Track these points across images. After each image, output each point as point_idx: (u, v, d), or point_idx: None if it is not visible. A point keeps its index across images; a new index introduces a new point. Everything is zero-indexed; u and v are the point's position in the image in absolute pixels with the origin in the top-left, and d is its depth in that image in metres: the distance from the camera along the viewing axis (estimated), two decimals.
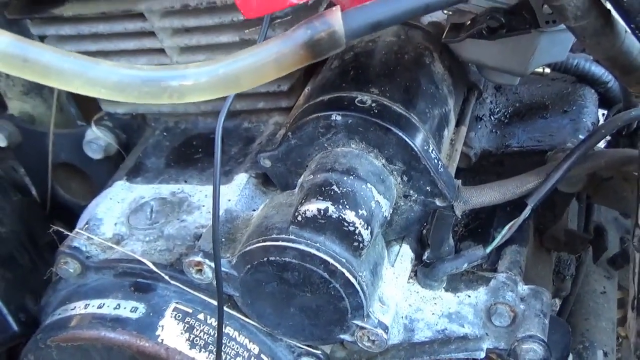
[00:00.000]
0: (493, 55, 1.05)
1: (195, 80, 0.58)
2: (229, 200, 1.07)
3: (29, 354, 1.08)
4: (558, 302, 1.42)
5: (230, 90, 0.61)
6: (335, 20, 0.60)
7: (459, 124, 1.12)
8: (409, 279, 1.07)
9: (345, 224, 0.91)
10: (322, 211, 0.91)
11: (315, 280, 0.93)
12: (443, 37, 1.05)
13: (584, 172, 1.04)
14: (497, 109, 1.24)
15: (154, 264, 1.04)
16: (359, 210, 0.91)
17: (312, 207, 0.91)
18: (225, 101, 0.86)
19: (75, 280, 1.10)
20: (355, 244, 0.92)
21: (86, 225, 1.13)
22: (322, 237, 0.92)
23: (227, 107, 0.86)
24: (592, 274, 1.42)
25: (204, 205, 1.11)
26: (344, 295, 0.93)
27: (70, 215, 1.41)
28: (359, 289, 0.93)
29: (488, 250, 1.03)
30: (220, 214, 1.05)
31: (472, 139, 1.16)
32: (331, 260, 0.92)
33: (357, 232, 0.91)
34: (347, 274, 0.92)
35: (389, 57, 1.07)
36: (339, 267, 0.92)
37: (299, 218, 0.92)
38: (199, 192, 1.14)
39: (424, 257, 1.06)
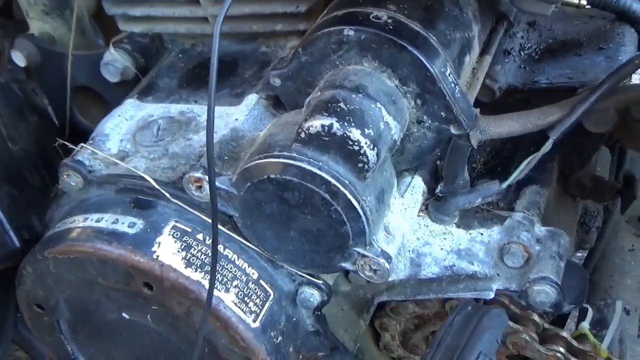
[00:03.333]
0: None
1: None
2: (236, 120, 1.03)
3: (27, 266, 1.06)
4: (581, 255, 1.35)
5: None
6: None
7: (483, 53, 1.06)
8: (419, 212, 1.01)
9: (350, 142, 0.86)
10: (326, 127, 0.86)
11: (316, 201, 0.89)
12: None
13: (613, 106, 0.96)
14: (528, 45, 1.17)
15: (156, 181, 1.01)
16: (366, 130, 0.86)
17: (316, 123, 0.87)
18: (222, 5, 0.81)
19: (77, 194, 1.07)
20: (360, 165, 0.87)
21: (91, 141, 1.10)
22: (326, 156, 0.88)
23: (226, 9, 0.80)
24: (620, 230, 1.35)
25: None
26: (345, 219, 0.89)
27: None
28: (361, 213, 0.88)
29: (504, 185, 0.97)
30: (225, 132, 1.02)
31: (497, 72, 1.09)
32: (333, 181, 0.87)
33: (362, 151, 0.86)
34: (350, 196, 0.87)
35: None
36: (341, 188, 0.87)
37: (302, 135, 0.88)
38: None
39: (437, 191, 1.01)
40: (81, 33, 1.46)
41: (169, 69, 1.23)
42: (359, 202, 0.88)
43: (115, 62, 1.31)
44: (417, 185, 1.01)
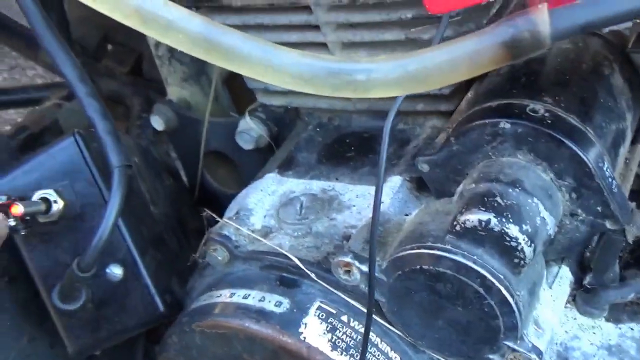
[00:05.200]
0: None
1: (384, 75, 0.55)
2: (382, 203, 1.04)
3: (174, 335, 1.09)
4: None
5: (418, 88, 0.58)
6: (541, 18, 0.56)
7: (634, 141, 1.04)
8: (566, 304, 0.99)
9: (508, 238, 0.86)
10: (483, 223, 0.86)
11: (469, 294, 0.88)
12: (629, 46, 0.97)
13: None
14: None
15: (301, 260, 1.03)
16: (523, 226, 0.86)
17: (473, 218, 0.87)
18: (395, 100, 0.82)
19: (221, 268, 1.10)
20: (516, 260, 0.87)
21: (236, 215, 1.13)
22: (481, 249, 0.88)
23: (397, 106, 0.82)
24: None
25: (354, 205, 1.09)
26: (498, 313, 0.88)
27: (216, 203, 1.44)
28: (515, 308, 0.88)
29: None
30: (369, 215, 1.03)
31: None
32: (488, 275, 0.87)
33: (519, 248, 0.86)
34: (504, 292, 0.87)
35: (564, 64, 1.00)
36: (496, 283, 0.87)
37: (458, 228, 0.88)
38: (350, 191, 1.12)
39: (585, 282, 0.99)
40: (215, 99, 1.52)
41: (307, 142, 1.26)
42: (513, 297, 0.87)
43: (250, 130, 1.36)
44: (565, 276, 0.99)
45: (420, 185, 1.07)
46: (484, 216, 0.86)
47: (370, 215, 1.01)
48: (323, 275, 1.02)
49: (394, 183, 1.08)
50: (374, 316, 1.00)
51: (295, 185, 1.16)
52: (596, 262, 0.97)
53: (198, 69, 1.51)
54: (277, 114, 1.36)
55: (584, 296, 0.99)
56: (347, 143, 1.23)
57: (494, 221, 0.86)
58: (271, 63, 0.54)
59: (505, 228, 0.85)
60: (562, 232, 0.95)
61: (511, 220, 0.86)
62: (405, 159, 1.12)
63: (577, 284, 1.01)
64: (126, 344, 1.34)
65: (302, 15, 1.12)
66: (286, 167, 1.22)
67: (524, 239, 0.85)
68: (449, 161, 0.97)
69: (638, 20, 0.95)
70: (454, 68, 0.58)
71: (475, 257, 0.87)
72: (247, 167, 1.42)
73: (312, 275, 1.02)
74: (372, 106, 1.22)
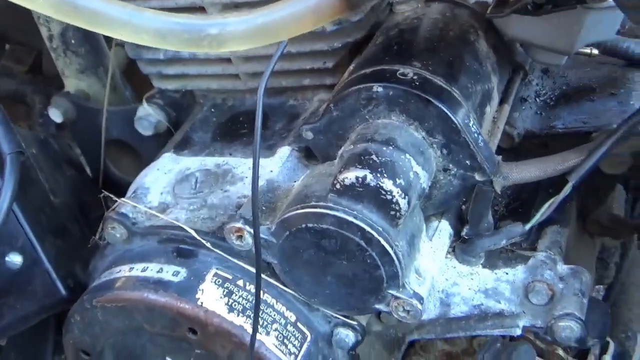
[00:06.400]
0: (538, 33, 1.05)
1: (234, 28, 0.60)
2: (271, 172, 1.10)
3: (76, 314, 1.12)
4: (602, 289, 1.40)
5: (269, 39, 0.63)
6: None
7: (502, 102, 1.12)
8: (447, 255, 1.07)
9: (383, 192, 0.92)
10: (360, 179, 0.92)
11: (351, 248, 0.94)
12: (487, 12, 1.05)
13: (628, 150, 1.03)
14: (544, 91, 1.23)
15: (197, 231, 1.07)
16: (397, 180, 0.92)
17: (351, 175, 0.93)
18: (267, 64, 0.87)
19: (121, 245, 1.13)
20: (392, 212, 0.93)
21: (133, 194, 1.17)
22: (360, 205, 0.94)
23: (266, 79, 0.86)
24: (638, 265, 1.39)
25: (246, 177, 1.14)
26: (379, 263, 0.94)
27: (120, 191, 1.46)
28: (394, 257, 0.94)
29: (527, 227, 1.02)
30: (261, 184, 1.08)
31: (516, 119, 1.16)
32: (368, 228, 0.93)
33: (394, 200, 0.92)
34: (383, 242, 0.93)
35: (433, 33, 1.07)
36: (376, 235, 0.93)
37: (337, 186, 0.94)
38: (242, 164, 1.16)
39: (463, 233, 1.06)
40: (114, 89, 1.54)
41: (202, 123, 1.30)
42: (392, 247, 0.94)
43: (149, 116, 1.38)
44: (444, 228, 1.07)
45: (308, 154, 1.13)
46: (361, 173, 0.92)
47: (261, 184, 1.07)
48: (218, 243, 1.06)
49: (282, 153, 1.13)
50: (268, 279, 1.06)
51: (190, 162, 1.20)
52: (471, 213, 1.05)
53: (95, 61, 1.53)
54: (174, 98, 1.39)
55: (461, 246, 1.06)
56: (240, 121, 1.27)
57: (369, 177, 0.92)
58: (131, 22, 0.58)
59: (380, 182, 0.92)
60: (437, 187, 1.02)
61: (385, 175, 0.92)
62: (295, 131, 1.18)
63: (457, 236, 1.08)
64: (36, 335, 1.35)
65: None
66: (182, 146, 1.25)
67: (398, 192, 0.92)
68: (330, 127, 1.03)
69: None
70: (299, 20, 0.63)
71: (355, 212, 0.93)
72: (148, 153, 1.44)
73: (208, 245, 1.06)
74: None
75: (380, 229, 0.93)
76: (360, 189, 0.93)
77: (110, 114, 1.46)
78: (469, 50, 1.07)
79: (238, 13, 0.61)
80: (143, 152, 1.48)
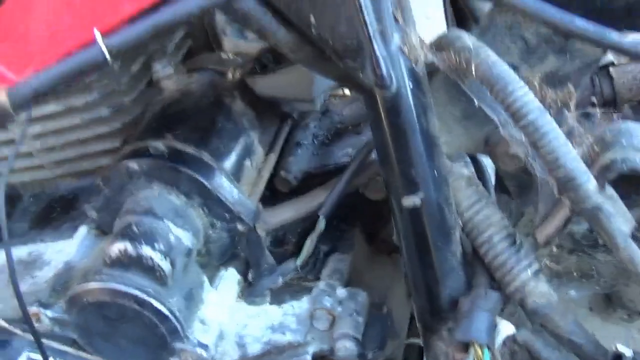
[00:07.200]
0: (279, 88, 1.17)
1: None
2: (69, 253, 1.19)
3: None
4: None
5: None
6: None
7: (269, 152, 1.24)
8: (237, 299, 1.17)
9: (144, 259, 1.02)
10: (122, 251, 1.03)
11: (130, 313, 1.04)
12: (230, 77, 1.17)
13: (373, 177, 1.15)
14: (321, 132, 1.34)
15: (7, 320, 1.15)
16: (156, 245, 1.03)
17: (115, 248, 1.03)
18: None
19: None
20: (158, 275, 1.03)
21: None
22: (129, 273, 1.04)
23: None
24: None
25: (52, 260, 1.23)
26: (157, 322, 1.04)
27: None
28: (169, 314, 1.04)
29: (299, 262, 1.14)
30: (59, 266, 1.18)
31: (290, 163, 1.26)
32: (138, 293, 1.03)
33: (156, 265, 1.03)
34: (155, 303, 1.03)
35: (190, 103, 1.19)
36: (147, 297, 1.03)
37: (107, 260, 1.04)
38: (50, 249, 1.25)
39: (249, 277, 1.17)
40: None
41: (23, 214, 1.39)
42: (165, 306, 1.04)
43: None
44: (230, 275, 1.17)
45: (104, 229, 1.22)
46: (122, 245, 1.03)
47: (59, 266, 1.16)
48: (26, 328, 1.15)
49: (80, 233, 1.22)
50: (77, 352, 1.15)
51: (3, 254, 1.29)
52: (250, 258, 1.15)
53: None
54: None
55: (247, 289, 1.17)
56: (53, 207, 1.37)
57: (129, 247, 1.02)
58: None
59: (140, 251, 1.02)
60: (211, 241, 1.13)
61: (144, 243, 1.02)
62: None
63: (246, 280, 1.19)
64: None
65: None
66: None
67: (158, 256, 1.02)
68: (108, 204, 1.14)
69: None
70: None
71: (125, 281, 1.03)
72: None
73: (16, 331, 1.14)
74: (73, 168, 1.36)
75: (150, 291, 1.03)
76: (125, 260, 1.03)
77: None
78: (223, 113, 1.18)
79: None
80: None
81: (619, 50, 0.77)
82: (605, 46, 0.79)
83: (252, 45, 1.14)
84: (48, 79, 0.73)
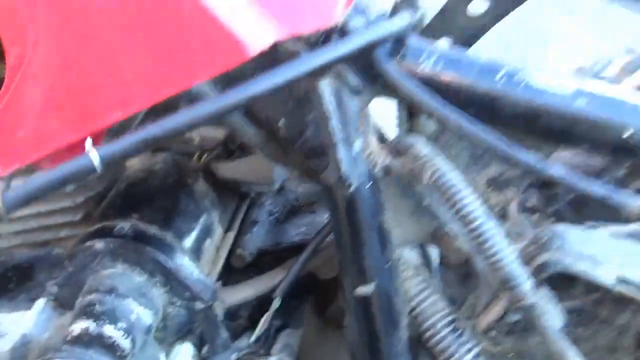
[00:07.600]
0: (243, 172, 1.23)
1: None
2: (26, 326, 1.21)
3: None
4: None
5: None
6: None
7: (228, 230, 1.30)
8: None
9: (106, 337, 1.06)
10: (84, 329, 1.06)
11: None
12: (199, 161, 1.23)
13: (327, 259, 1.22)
14: (276, 209, 1.41)
15: None
16: (118, 324, 1.07)
17: (77, 326, 1.07)
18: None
19: None
20: (119, 353, 1.07)
21: None
22: (91, 351, 1.07)
23: None
24: None
25: (7, 333, 1.24)
26: None
27: None
28: None
29: (251, 340, 1.19)
30: (15, 339, 1.20)
31: (246, 241, 1.33)
32: None
33: (116, 343, 1.06)
34: None
35: (154, 183, 1.24)
36: None
37: (69, 337, 1.07)
38: (5, 320, 1.27)
39: (202, 352, 1.22)
40: None
41: None
42: None
43: None
44: (184, 351, 1.20)
45: (64, 304, 1.25)
46: (84, 324, 1.06)
47: (15, 339, 1.18)
48: None
49: (38, 305, 1.25)
50: None
51: None
52: (206, 334, 1.20)
53: None
54: None
55: None
56: (9, 276, 1.38)
57: (92, 326, 1.06)
58: None
59: (101, 330, 1.06)
60: (169, 318, 1.17)
61: (107, 321, 1.06)
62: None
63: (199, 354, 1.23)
64: None
65: None
66: None
67: (119, 335, 1.06)
68: (70, 280, 1.17)
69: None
70: None
71: (85, 359, 1.06)
72: None
73: None
74: (29, 238, 1.39)
75: None
76: (86, 338, 1.07)
77: None
78: (186, 193, 1.24)
79: None
80: None
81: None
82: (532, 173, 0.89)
83: (218, 131, 1.20)
84: (41, 184, 0.78)
